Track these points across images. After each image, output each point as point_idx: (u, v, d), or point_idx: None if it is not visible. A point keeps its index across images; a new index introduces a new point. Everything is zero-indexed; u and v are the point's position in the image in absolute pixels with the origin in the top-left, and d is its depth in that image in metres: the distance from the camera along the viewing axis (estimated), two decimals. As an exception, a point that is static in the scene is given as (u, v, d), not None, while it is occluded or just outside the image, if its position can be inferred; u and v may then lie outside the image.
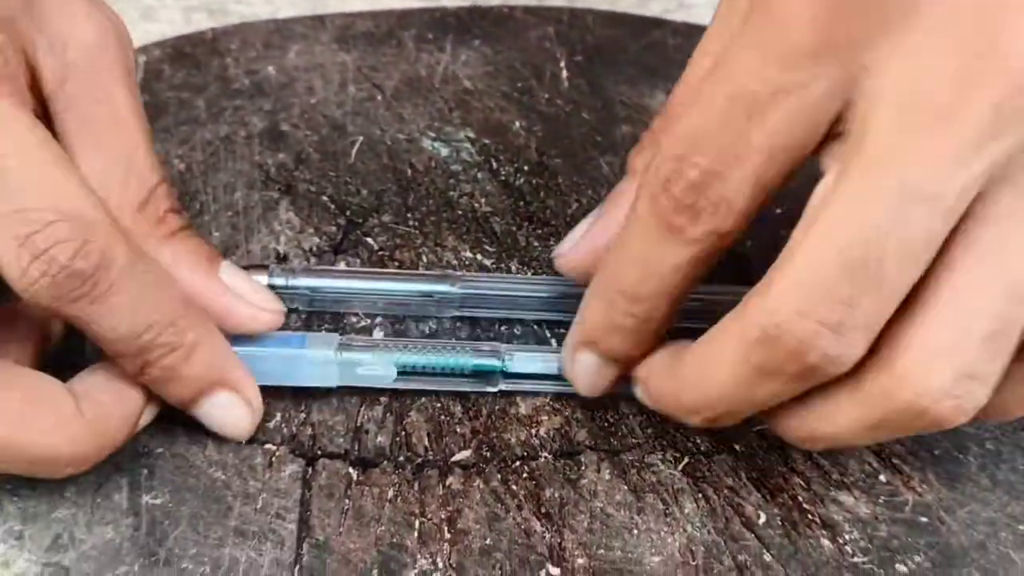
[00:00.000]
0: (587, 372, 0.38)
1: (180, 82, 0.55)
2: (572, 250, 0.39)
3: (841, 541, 0.37)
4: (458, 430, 0.39)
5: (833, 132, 0.31)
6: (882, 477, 0.39)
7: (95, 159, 0.36)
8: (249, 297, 0.38)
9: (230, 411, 0.37)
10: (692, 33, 0.60)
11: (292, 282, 0.42)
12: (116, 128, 0.37)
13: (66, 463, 0.34)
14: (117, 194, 0.36)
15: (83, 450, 0.34)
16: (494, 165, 0.51)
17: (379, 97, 0.55)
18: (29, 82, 0.35)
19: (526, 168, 0.51)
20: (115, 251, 0.32)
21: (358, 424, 0.39)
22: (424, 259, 0.46)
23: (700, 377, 0.34)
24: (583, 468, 0.38)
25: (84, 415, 0.34)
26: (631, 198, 0.34)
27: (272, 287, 0.42)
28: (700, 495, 0.38)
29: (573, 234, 0.40)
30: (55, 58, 0.36)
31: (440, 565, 0.35)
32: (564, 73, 0.58)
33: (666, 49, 0.59)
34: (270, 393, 0.39)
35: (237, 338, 0.38)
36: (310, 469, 0.38)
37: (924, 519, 0.38)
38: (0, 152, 0.31)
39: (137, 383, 0.36)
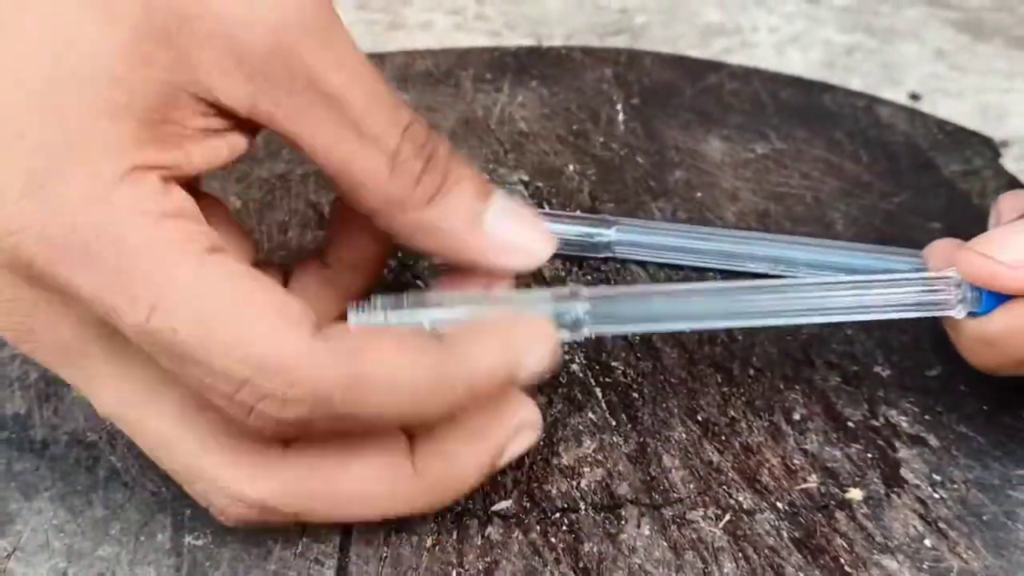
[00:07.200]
0: None
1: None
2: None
3: (883, 607, 0.36)
4: (499, 478, 0.39)
5: None
6: (927, 541, 0.38)
7: (326, 147, 0.31)
8: (515, 245, 0.35)
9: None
10: (750, 77, 0.60)
11: None
12: (327, 106, 0.31)
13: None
14: (357, 173, 0.32)
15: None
16: (546, 209, 0.51)
17: (435, 137, 0.55)
18: (209, 111, 0.31)
19: (578, 212, 0.51)
20: (326, 383, 0.29)
21: (400, 470, 0.39)
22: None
23: None
24: (623, 522, 0.38)
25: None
26: None
27: None
28: (740, 554, 0.38)
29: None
30: (233, 74, 0.30)
31: (475, 617, 0.35)
32: (620, 116, 0.58)
33: (722, 94, 0.59)
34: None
35: None
36: (351, 514, 0.38)
37: (969, 587, 0.37)
38: (172, 313, 0.28)
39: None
